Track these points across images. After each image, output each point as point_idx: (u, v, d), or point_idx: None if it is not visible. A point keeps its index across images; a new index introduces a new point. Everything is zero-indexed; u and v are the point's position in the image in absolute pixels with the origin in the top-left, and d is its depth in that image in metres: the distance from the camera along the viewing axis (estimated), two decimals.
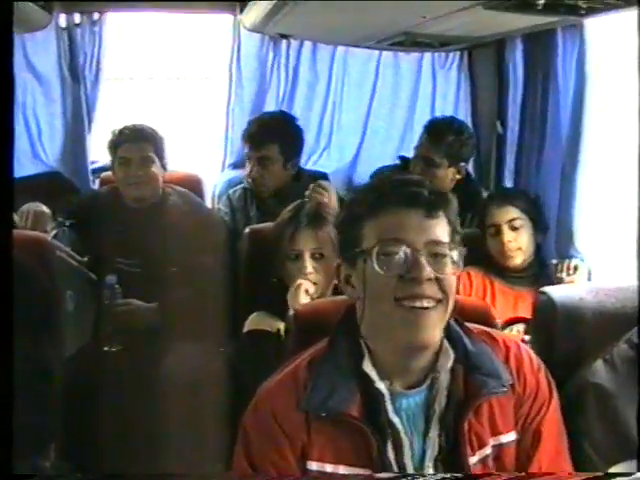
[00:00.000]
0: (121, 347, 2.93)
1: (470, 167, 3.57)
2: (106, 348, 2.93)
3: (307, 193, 2.97)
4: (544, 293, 2.02)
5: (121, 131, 3.20)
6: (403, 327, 1.52)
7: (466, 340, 1.62)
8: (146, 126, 3.23)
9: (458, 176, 3.33)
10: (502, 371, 1.60)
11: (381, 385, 1.58)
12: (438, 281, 1.54)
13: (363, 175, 4.06)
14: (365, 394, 1.57)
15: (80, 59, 3.85)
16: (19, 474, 1.41)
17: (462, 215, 1.69)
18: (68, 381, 2.57)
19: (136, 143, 3.16)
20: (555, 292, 2.01)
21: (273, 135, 3.39)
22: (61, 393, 2.38)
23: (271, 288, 2.59)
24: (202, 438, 2.74)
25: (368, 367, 1.59)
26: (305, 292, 2.43)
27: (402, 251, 1.54)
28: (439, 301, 1.54)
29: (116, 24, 4.06)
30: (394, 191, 1.58)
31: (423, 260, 1.53)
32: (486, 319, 1.85)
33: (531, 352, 1.70)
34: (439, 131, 3.32)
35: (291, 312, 2.03)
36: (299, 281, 2.45)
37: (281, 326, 2.44)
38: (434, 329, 1.54)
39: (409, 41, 3.13)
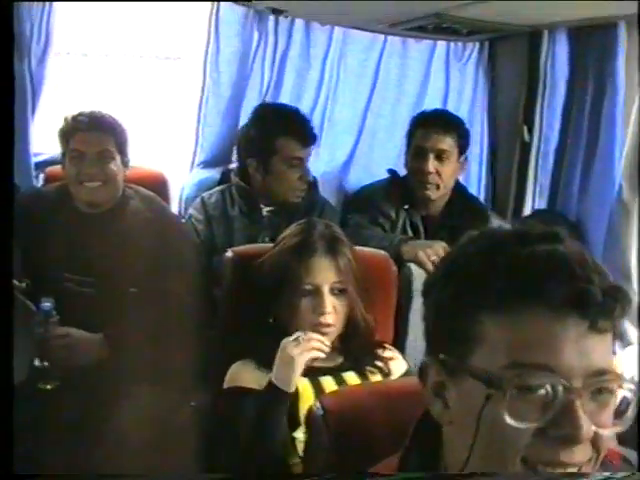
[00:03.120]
0: (57, 383, 2.56)
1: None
2: (40, 385, 2.55)
3: None
4: None
5: (75, 118, 2.78)
6: None
7: None
8: (106, 114, 2.81)
9: (460, 174, 3.19)
10: None
11: None
12: (595, 438, 1.06)
13: (356, 181, 3.74)
14: None
15: (25, 29, 3.35)
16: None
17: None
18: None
19: (93, 134, 2.75)
20: None
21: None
22: None
23: (263, 330, 2.22)
24: None
25: None
26: (308, 349, 2.08)
27: (549, 387, 1.05)
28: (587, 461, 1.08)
29: None
30: (538, 272, 1.07)
31: (580, 409, 1.04)
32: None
33: None
34: (449, 119, 3.19)
35: (317, 409, 1.53)
36: (310, 335, 2.08)
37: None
38: None
39: (432, 26, 2.73)
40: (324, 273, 2.16)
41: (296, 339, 2.07)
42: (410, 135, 3.18)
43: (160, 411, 2.56)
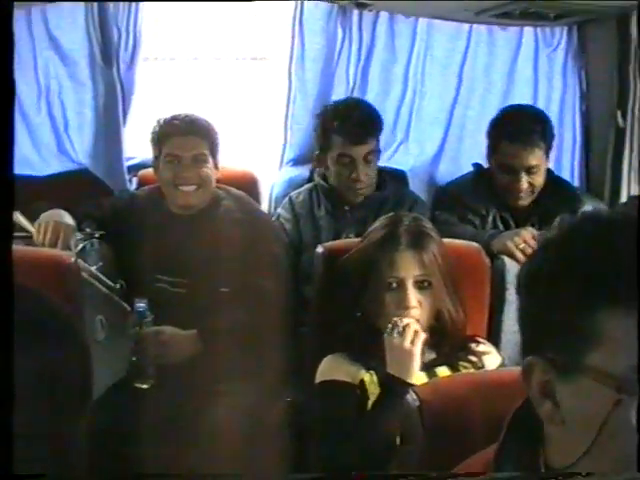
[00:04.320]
0: (152, 382, 2.59)
1: None
2: (137, 384, 2.59)
3: None
4: None
5: (170, 122, 2.82)
6: None
7: None
8: (200, 118, 2.84)
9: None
10: None
11: None
12: None
13: (446, 174, 3.65)
14: None
15: (113, 35, 3.44)
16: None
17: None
18: (96, 428, 2.20)
19: (188, 138, 2.79)
20: None
21: (372, 127, 3.02)
22: (88, 446, 2.03)
23: (354, 324, 2.21)
24: None
25: None
26: (415, 335, 2.04)
27: None
28: None
29: None
30: None
31: None
32: None
33: None
34: (536, 113, 3.09)
35: (413, 400, 1.51)
36: (406, 321, 2.05)
37: (365, 377, 2.12)
38: None
39: (519, 12, 2.67)
40: (407, 267, 2.13)
41: (397, 331, 2.04)
42: (492, 148, 3.07)
43: (254, 408, 2.57)
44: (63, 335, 1.77)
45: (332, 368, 2.17)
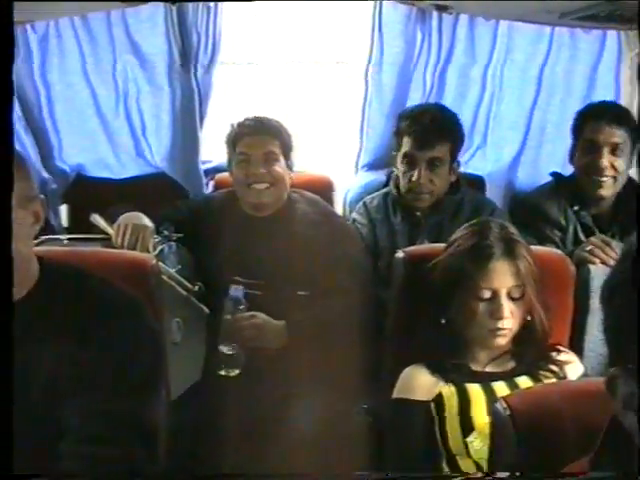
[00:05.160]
0: (238, 372, 2.64)
1: None
2: (222, 372, 2.63)
3: None
4: None
5: (241, 124, 2.88)
6: None
7: None
8: (270, 118, 2.89)
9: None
10: None
11: None
12: None
13: (525, 180, 3.61)
14: None
15: (193, 39, 3.47)
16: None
17: None
18: (175, 428, 2.30)
19: (259, 137, 2.84)
20: None
21: (443, 132, 2.98)
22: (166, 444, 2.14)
23: (435, 332, 2.19)
24: None
25: None
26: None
27: None
28: None
29: None
30: None
31: None
32: None
33: None
34: (620, 111, 3.03)
35: (504, 409, 1.49)
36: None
37: (444, 389, 2.12)
38: None
39: (604, 13, 2.62)
40: (502, 277, 2.11)
41: None
42: (578, 129, 3.03)
43: (331, 412, 2.59)
44: (133, 319, 1.81)
45: (410, 382, 2.17)
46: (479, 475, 1.29)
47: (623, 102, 3.47)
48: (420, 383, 2.15)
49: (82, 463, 1.62)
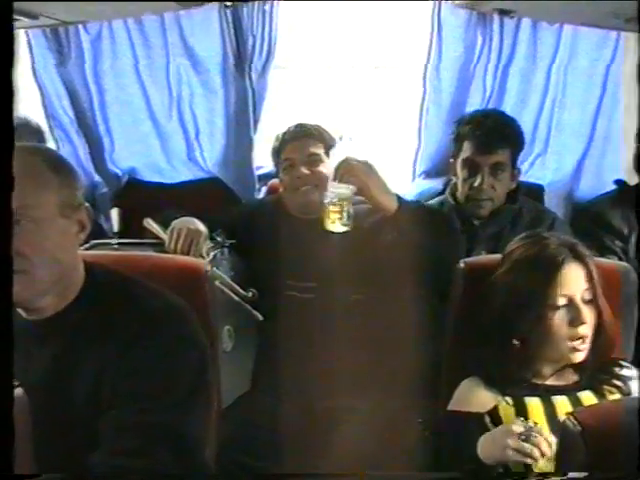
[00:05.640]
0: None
1: None
2: None
3: None
4: None
5: (284, 132, 2.96)
6: None
7: None
8: (312, 124, 2.95)
9: None
10: None
11: None
12: None
13: (587, 189, 3.53)
14: None
15: (248, 43, 3.46)
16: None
17: None
18: (225, 437, 2.32)
19: (301, 140, 2.90)
20: None
21: (505, 137, 2.96)
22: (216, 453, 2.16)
23: (501, 348, 2.14)
24: None
25: None
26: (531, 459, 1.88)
27: None
28: None
29: (289, 1, 3.63)
30: None
31: None
32: None
33: None
34: None
35: (574, 425, 1.46)
36: (541, 438, 1.86)
37: (501, 404, 2.09)
38: None
39: None
40: (575, 282, 2.08)
41: (526, 433, 1.89)
42: None
43: (385, 424, 2.57)
44: (178, 331, 1.79)
45: (466, 395, 2.15)
46: None
47: None
48: (476, 396, 2.12)
49: (113, 475, 1.62)
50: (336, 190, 2.50)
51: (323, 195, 2.57)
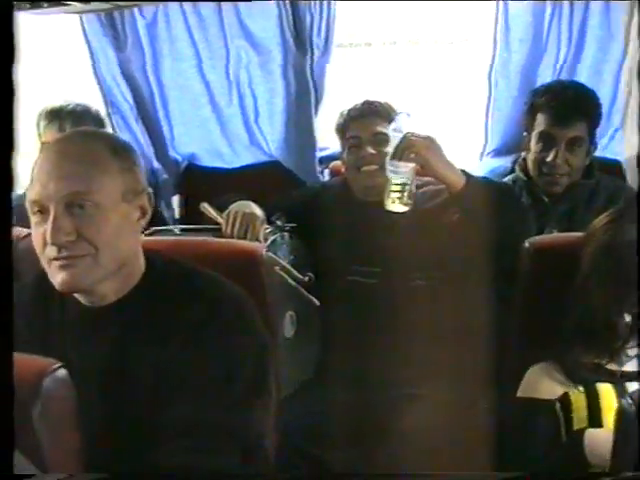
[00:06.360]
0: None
1: None
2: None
3: None
4: None
5: (350, 109, 2.89)
6: None
7: None
8: (378, 100, 2.88)
9: None
10: None
11: None
12: None
13: None
14: None
15: (306, 22, 3.43)
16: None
17: None
18: (285, 426, 2.28)
19: (368, 119, 2.83)
20: None
21: (584, 110, 2.86)
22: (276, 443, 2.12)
23: (576, 331, 2.05)
24: None
25: None
26: None
27: None
28: None
29: None
30: None
31: None
32: None
33: None
34: None
35: (629, 404, 1.39)
36: None
37: (572, 390, 1.98)
38: None
39: None
40: None
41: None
42: None
43: (450, 411, 2.51)
44: (243, 328, 1.77)
45: (535, 382, 2.07)
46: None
47: None
48: (545, 382, 2.03)
49: (175, 473, 1.61)
50: (396, 168, 2.45)
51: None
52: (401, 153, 2.48)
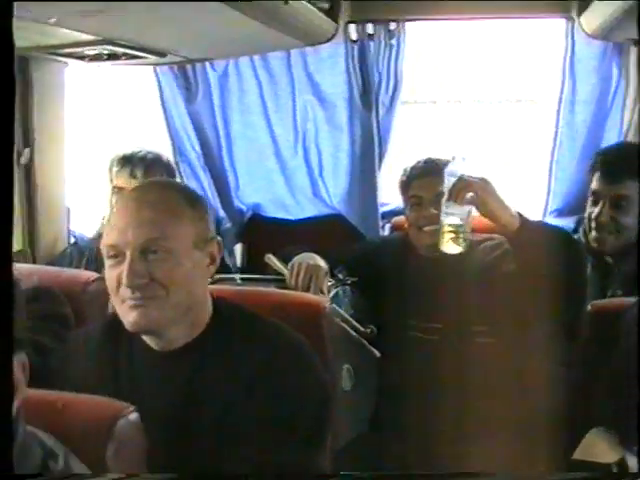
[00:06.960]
0: None
1: None
2: None
3: None
4: None
5: (412, 167, 2.94)
6: None
7: None
8: (441, 159, 2.87)
9: None
10: None
11: None
12: None
13: None
14: None
15: (374, 78, 3.53)
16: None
17: None
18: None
19: (430, 178, 2.85)
20: None
21: (633, 168, 2.77)
22: None
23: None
24: None
25: None
26: None
27: None
28: None
29: (416, 35, 3.68)
30: None
31: None
32: None
33: None
34: None
35: None
36: None
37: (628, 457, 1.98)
38: None
39: None
40: None
41: None
42: None
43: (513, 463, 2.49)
44: (303, 369, 1.83)
45: (592, 447, 2.07)
46: None
47: None
48: (602, 448, 2.04)
49: None
50: (451, 210, 2.48)
51: None
52: (456, 194, 2.46)
